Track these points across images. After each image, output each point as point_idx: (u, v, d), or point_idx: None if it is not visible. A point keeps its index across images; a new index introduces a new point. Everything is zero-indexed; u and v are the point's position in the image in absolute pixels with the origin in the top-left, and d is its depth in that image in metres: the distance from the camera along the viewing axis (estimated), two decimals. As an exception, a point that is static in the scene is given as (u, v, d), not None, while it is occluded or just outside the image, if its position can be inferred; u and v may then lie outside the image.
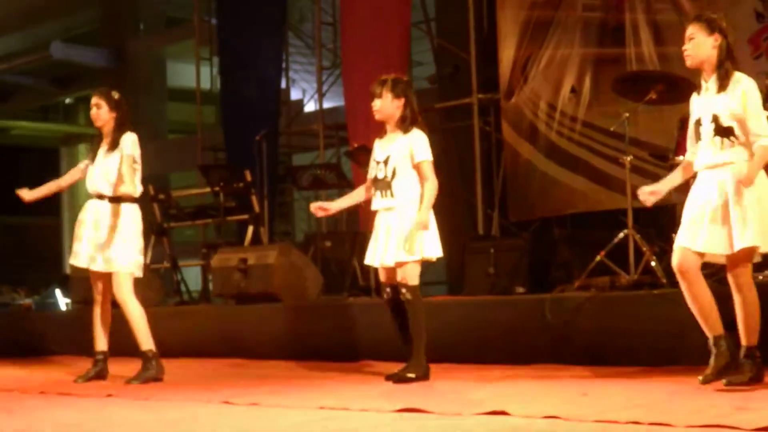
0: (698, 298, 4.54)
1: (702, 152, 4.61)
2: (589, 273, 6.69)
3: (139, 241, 6.18)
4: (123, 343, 6.38)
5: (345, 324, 7.22)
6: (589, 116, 8.74)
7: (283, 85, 13.09)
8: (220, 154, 12.78)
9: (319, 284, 8.40)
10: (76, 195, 17.74)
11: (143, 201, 6.42)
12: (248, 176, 9.65)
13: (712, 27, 4.58)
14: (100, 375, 6.28)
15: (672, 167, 5.44)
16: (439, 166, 5.63)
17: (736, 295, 4.51)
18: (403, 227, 5.46)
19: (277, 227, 13.16)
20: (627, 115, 6.70)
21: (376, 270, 5.91)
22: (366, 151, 6.10)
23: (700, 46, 4.59)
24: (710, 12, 4.82)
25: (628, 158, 6.67)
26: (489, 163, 9.79)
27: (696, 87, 4.75)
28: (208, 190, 10.24)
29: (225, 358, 7.61)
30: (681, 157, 5.41)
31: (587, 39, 8.82)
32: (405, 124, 5.57)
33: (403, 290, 5.50)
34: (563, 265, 7.61)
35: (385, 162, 5.57)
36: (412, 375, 5.41)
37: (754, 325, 4.50)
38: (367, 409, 4.30)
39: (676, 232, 4.69)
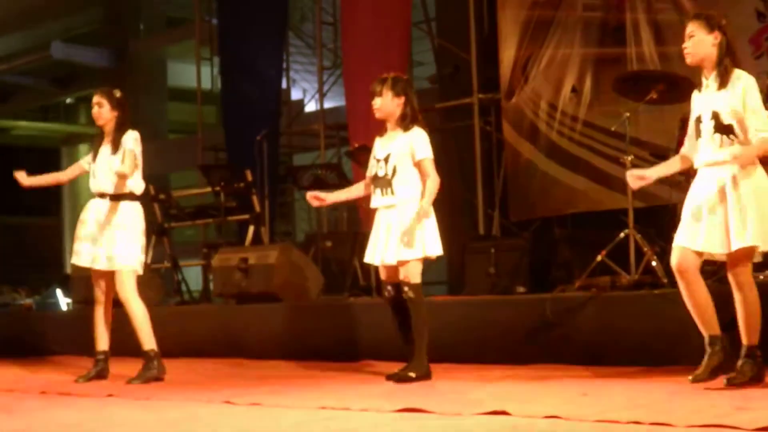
0: (695, 298, 4.55)
1: (702, 149, 4.61)
2: (590, 273, 6.68)
3: (141, 239, 6.17)
4: (124, 342, 6.38)
5: (345, 324, 7.21)
6: (590, 116, 8.74)
7: (284, 85, 13.08)
8: (221, 154, 12.76)
9: (319, 284, 8.40)
10: (77, 195, 17.78)
11: (144, 201, 6.42)
12: (249, 176, 9.64)
13: (711, 24, 4.58)
14: (101, 375, 6.27)
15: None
16: (439, 166, 5.63)
17: (737, 294, 4.51)
18: (404, 225, 5.45)
19: (277, 227, 13.15)
20: (628, 114, 6.69)
21: (376, 269, 5.91)
22: (367, 150, 6.09)
23: (699, 43, 4.59)
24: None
25: (629, 158, 6.66)
26: (490, 163, 9.79)
27: (696, 86, 4.75)
28: (208, 190, 10.23)
29: (225, 358, 7.60)
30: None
31: (588, 39, 8.82)
32: (405, 122, 5.57)
33: (406, 288, 5.49)
34: (564, 265, 7.60)
35: (386, 160, 5.56)
36: (413, 374, 5.41)
37: (755, 324, 4.50)
38: (368, 408, 4.29)
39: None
